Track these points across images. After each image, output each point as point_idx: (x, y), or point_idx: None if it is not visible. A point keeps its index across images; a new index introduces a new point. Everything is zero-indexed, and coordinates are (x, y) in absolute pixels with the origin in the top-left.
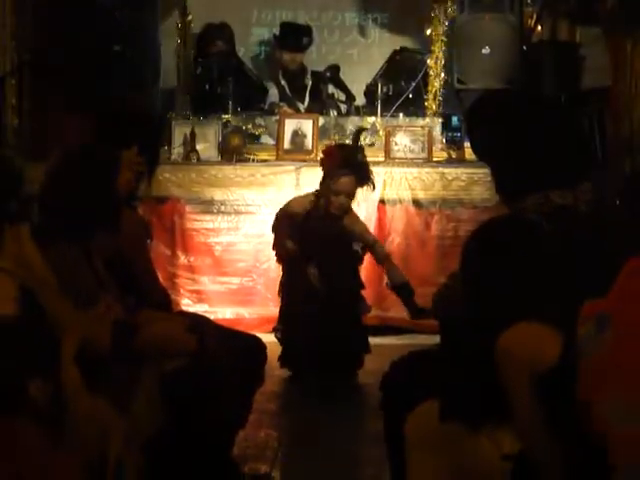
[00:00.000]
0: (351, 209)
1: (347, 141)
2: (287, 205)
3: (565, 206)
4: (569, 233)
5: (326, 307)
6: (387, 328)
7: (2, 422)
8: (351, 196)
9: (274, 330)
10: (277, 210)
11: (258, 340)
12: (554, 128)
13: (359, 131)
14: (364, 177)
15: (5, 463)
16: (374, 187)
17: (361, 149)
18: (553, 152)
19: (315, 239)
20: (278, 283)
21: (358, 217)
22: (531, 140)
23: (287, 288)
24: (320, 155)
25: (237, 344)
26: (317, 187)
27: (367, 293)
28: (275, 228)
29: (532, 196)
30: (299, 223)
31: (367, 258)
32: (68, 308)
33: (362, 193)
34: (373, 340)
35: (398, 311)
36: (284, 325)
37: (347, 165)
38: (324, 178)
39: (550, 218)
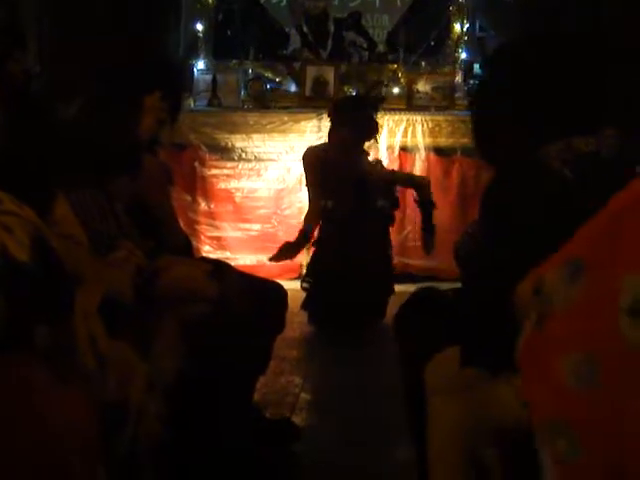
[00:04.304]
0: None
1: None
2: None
3: (589, 153)
4: (592, 179)
5: (357, 263)
6: (408, 275)
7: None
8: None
9: (302, 281)
10: (301, 158)
11: (279, 286)
12: (576, 72)
13: (375, 83)
14: (365, 132)
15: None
16: (376, 139)
17: (372, 101)
18: (575, 97)
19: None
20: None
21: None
22: (552, 85)
23: (322, 243)
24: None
25: (258, 290)
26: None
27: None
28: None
29: (554, 143)
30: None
31: None
32: (93, 259)
33: (384, 141)
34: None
35: (419, 259)
36: (313, 277)
37: (348, 121)
38: (330, 129)
39: (573, 165)
